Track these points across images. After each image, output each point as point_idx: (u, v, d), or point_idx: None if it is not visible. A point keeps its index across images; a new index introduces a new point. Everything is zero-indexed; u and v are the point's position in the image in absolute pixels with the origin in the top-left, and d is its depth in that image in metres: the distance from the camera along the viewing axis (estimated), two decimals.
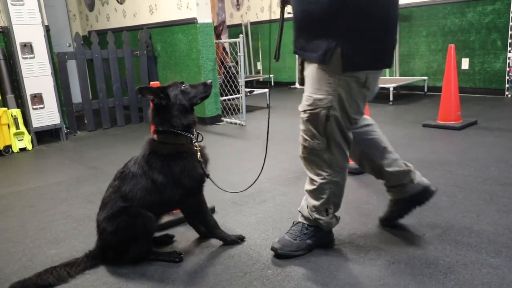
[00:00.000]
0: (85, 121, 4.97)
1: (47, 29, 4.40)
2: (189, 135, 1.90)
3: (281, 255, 1.82)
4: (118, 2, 5.77)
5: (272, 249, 1.84)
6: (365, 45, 1.61)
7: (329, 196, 1.79)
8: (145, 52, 5.16)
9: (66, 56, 4.73)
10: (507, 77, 5.00)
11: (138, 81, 5.29)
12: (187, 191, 1.87)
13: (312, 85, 1.71)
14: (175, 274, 1.77)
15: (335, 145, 1.73)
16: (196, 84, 1.95)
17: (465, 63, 5.34)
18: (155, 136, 1.91)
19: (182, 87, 1.88)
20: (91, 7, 6.49)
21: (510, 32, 4.86)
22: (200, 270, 1.78)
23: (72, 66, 5.35)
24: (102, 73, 4.99)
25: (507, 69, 4.98)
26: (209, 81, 1.96)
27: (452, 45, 3.84)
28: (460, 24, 5.33)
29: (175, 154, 1.85)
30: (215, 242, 2.01)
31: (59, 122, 4.47)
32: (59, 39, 6.55)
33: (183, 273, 1.77)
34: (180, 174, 1.84)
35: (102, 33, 5.46)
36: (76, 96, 5.36)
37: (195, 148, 1.91)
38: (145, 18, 5.35)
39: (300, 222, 1.89)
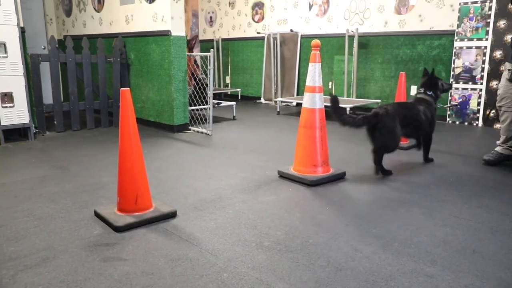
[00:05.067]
0: (55, 122, 4.80)
1: (22, 31, 4.24)
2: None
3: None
4: (96, 10, 5.65)
5: None
6: None
7: None
8: (118, 59, 5.06)
9: (40, 58, 4.56)
10: (448, 105, 5.23)
11: (110, 87, 5.17)
12: (432, 131, 3.29)
13: None
14: (133, 274, 1.71)
15: None
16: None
17: (413, 90, 5.55)
18: (424, 96, 3.30)
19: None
20: (68, 12, 6.32)
21: (453, 65, 5.10)
22: (157, 271, 1.74)
23: (45, 68, 5.16)
24: (75, 76, 4.85)
25: (449, 97, 5.21)
26: None
27: (403, 73, 3.99)
28: (411, 55, 5.56)
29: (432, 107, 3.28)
30: (176, 245, 1.97)
31: (28, 122, 4.29)
32: (34, 41, 6.33)
33: (140, 274, 1.72)
34: (433, 119, 3.26)
35: (77, 39, 5.32)
36: (48, 97, 5.18)
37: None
38: (121, 27, 5.26)
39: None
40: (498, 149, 3.30)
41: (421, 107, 3.17)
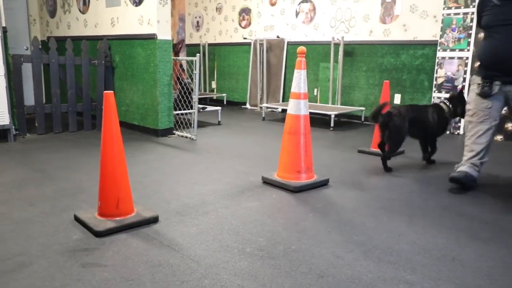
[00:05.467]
0: (36, 124, 4.71)
1: (4, 31, 4.16)
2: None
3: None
4: (81, 11, 5.59)
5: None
6: None
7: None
8: (103, 62, 5.01)
9: (22, 59, 4.48)
10: None
11: (94, 89, 5.11)
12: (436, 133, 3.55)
13: None
14: (113, 280, 1.68)
15: None
16: None
17: (397, 98, 5.63)
18: (441, 103, 3.58)
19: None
20: (52, 13, 6.24)
21: (435, 75, 5.19)
22: (137, 277, 1.71)
23: (28, 69, 5.07)
24: (58, 78, 4.78)
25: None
26: None
27: (387, 81, 4.04)
28: (394, 64, 5.64)
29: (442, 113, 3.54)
30: (157, 251, 1.94)
31: (8, 123, 4.21)
32: (16, 42, 6.22)
33: (120, 280, 1.69)
34: (440, 124, 3.51)
35: (61, 40, 5.25)
36: (29, 99, 5.08)
37: None
38: (106, 30, 5.21)
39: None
40: (464, 168, 2.97)
41: (430, 109, 3.47)
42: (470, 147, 3.00)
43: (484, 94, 2.91)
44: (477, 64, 3.16)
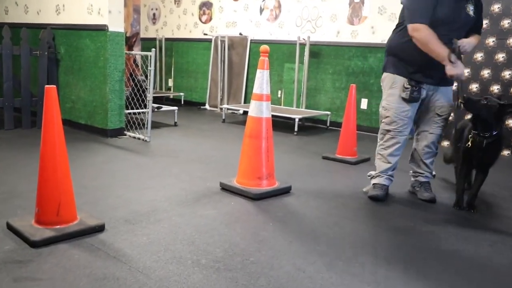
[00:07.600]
0: None
1: None
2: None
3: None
4: None
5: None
6: None
7: None
8: (46, 53, 4.83)
9: None
10: None
11: (35, 83, 4.91)
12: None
13: None
14: None
15: None
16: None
17: (364, 103, 5.79)
18: None
19: None
20: None
21: None
22: None
23: None
24: None
25: None
26: None
27: (354, 85, 4.15)
28: (362, 67, 5.79)
29: None
30: (102, 263, 1.88)
31: None
32: None
33: None
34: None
35: None
36: None
37: None
38: (50, 18, 5.03)
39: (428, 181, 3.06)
40: (382, 181, 3.00)
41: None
42: (386, 158, 2.96)
43: (414, 100, 2.78)
44: (394, 60, 2.86)
